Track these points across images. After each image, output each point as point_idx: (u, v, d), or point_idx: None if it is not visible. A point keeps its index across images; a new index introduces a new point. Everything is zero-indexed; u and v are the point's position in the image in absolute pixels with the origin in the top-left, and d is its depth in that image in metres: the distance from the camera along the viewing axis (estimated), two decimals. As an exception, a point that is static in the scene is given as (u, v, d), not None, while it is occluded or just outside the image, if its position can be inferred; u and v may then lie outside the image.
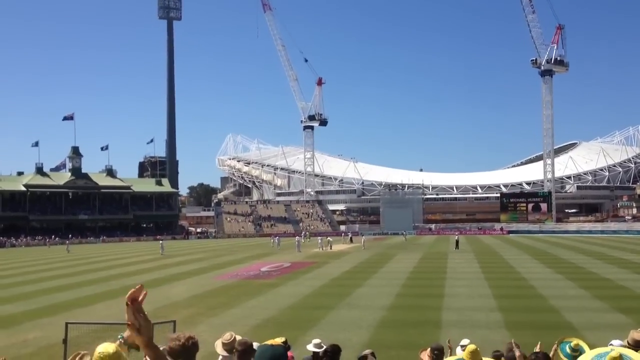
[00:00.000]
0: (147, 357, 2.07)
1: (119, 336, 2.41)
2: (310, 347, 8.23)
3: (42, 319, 18.51)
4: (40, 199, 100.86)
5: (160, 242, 58.38)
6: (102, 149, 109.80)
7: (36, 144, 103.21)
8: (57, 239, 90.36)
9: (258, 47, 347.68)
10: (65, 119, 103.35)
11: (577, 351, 4.58)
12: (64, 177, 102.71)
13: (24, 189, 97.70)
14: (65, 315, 17.49)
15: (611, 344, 4.11)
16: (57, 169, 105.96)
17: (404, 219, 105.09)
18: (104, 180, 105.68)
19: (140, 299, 2.07)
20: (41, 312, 20.03)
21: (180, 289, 25.96)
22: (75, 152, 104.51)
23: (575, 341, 4.72)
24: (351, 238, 71.08)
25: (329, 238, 60.73)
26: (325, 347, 8.32)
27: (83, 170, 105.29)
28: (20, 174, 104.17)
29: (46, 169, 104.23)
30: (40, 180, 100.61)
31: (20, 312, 20.23)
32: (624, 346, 4.72)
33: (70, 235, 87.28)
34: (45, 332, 16.30)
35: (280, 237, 69.14)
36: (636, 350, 3.77)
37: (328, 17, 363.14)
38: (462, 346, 7.59)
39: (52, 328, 16.05)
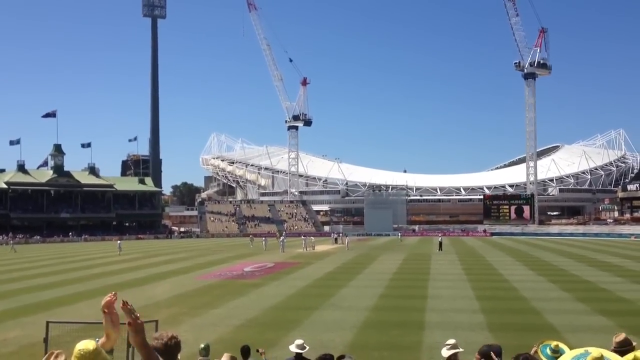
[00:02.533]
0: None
1: (96, 339, 2.35)
2: (293, 348, 8.19)
3: (23, 318, 18.30)
4: (21, 197, 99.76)
5: (118, 242, 57.74)
6: (83, 145, 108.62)
7: (17, 142, 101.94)
8: (38, 237, 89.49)
9: (243, 46, 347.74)
10: (45, 115, 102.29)
11: (558, 352, 4.60)
12: (46, 175, 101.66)
13: (5, 186, 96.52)
14: (47, 314, 17.29)
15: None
16: (40, 167, 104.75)
17: (385, 220, 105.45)
18: (86, 179, 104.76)
19: (114, 304, 2.04)
20: (22, 310, 19.80)
21: (162, 289, 25.80)
22: (58, 150, 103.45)
23: (555, 343, 4.74)
24: (336, 239, 71.07)
25: (312, 238, 60.43)
26: (306, 347, 8.30)
27: (65, 168, 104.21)
28: (1, 171, 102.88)
29: (28, 167, 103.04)
30: (22, 178, 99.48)
31: (1, 310, 19.99)
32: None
33: (41, 233, 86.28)
34: (26, 330, 16.13)
35: (267, 238, 66.67)
36: (621, 354, 3.79)
37: (313, 16, 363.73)
38: (446, 345, 7.53)
39: (33, 327, 15.87)
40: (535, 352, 4.90)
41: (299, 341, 8.25)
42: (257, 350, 8.78)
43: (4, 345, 14.56)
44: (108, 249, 60.39)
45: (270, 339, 14.45)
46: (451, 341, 7.58)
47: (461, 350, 7.12)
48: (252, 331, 15.87)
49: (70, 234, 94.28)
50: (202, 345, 8.69)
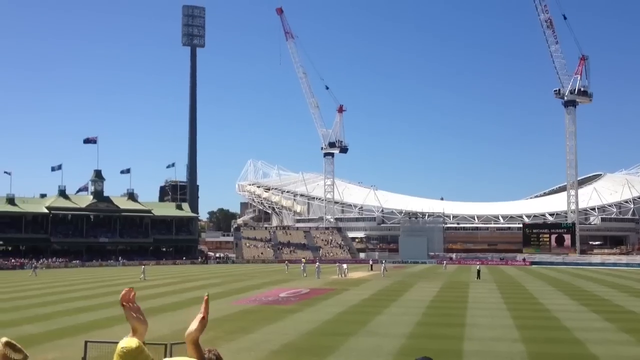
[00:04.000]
0: None
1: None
2: None
3: (61, 340, 18.49)
4: (62, 222, 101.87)
5: (142, 266, 57.82)
6: (122, 172, 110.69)
7: (59, 167, 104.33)
8: (77, 261, 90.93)
9: (280, 74, 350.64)
10: (86, 141, 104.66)
11: None
12: (86, 200, 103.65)
13: (46, 211, 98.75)
14: (84, 336, 17.39)
15: None
16: (80, 191, 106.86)
17: (420, 247, 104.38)
18: (125, 204, 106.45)
19: (132, 298, 1.99)
20: (60, 333, 20.03)
21: (198, 313, 25.79)
22: (98, 176, 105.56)
23: None
24: (372, 266, 70.43)
25: (344, 265, 59.61)
26: None
27: (105, 194, 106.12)
28: (43, 196, 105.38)
29: (69, 192, 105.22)
30: (63, 203, 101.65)
31: (40, 332, 20.25)
32: None
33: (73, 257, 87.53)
34: (64, 352, 16.28)
35: (306, 264, 62.72)
36: None
37: (349, 45, 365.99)
38: None
39: (71, 349, 16.01)
40: None
41: None
42: None
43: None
44: (147, 273, 60.89)
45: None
46: None
47: None
48: (287, 356, 15.74)
49: (108, 258, 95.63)
50: None
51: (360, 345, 17.74)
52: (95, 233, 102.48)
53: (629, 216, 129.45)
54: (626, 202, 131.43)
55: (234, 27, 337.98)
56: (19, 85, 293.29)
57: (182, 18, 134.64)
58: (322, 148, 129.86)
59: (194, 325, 2.20)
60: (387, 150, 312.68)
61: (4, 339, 2.67)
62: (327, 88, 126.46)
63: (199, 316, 2.19)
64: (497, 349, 17.06)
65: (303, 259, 70.11)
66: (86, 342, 9.72)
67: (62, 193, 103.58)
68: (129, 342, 1.79)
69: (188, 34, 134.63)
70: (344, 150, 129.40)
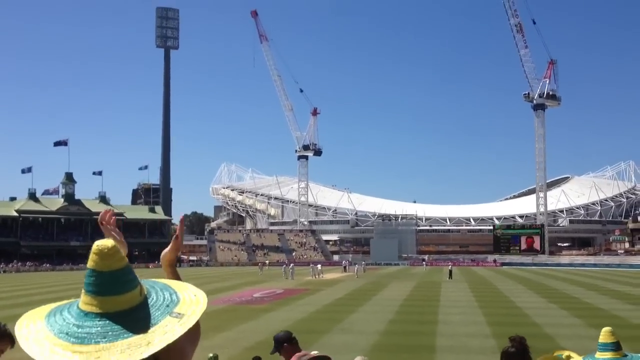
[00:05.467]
0: None
1: None
2: None
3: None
4: (32, 225, 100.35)
5: None
6: (94, 173, 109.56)
7: (29, 170, 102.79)
8: (47, 265, 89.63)
9: (254, 77, 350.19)
10: (57, 143, 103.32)
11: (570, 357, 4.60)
12: (57, 203, 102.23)
13: (15, 214, 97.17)
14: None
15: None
16: (50, 194, 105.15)
17: (391, 249, 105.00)
18: (97, 207, 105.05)
19: (108, 218, 2.02)
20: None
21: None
22: (69, 178, 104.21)
23: (567, 353, 4.72)
24: (345, 267, 70.75)
25: (318, 266, 60.04)
26: None
27: (76, 197, 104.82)
28: (12, 199, 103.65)
29: (39, 195, 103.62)
30: (33, 206, 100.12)
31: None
32: None
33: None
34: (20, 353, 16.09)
35: (294, 266, 60.92)
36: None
37: (323, 48, 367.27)
38: None
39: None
40: None
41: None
42: None
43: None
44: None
45: None
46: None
47: None
48: (260, 353, 15.72)
49: (79, 262, 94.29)
50: (211, 355, 8.72)
51: (334, 342, 17.85)
52: (66, 236, 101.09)
53: (596, 218, 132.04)
54: (593, 204, 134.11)
55: (209, 29, 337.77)
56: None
57: (156, 20, 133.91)
58: (296, 151, 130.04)
59: (168, 247, 2.23)
60: (361, 153, 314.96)
61: None
62: (302, 91, 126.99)
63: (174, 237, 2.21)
64: (470, 344, 17.34)
65: (267, 262, 71.02)
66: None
67: (32, 196, 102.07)
68: (104, 241, 1.65)
69: (162, 36, 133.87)
70: (318, 153, 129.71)
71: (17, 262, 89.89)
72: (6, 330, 3.64)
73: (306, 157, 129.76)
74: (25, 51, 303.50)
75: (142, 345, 1.42)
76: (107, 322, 1.41)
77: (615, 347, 3.80)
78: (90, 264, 1.52)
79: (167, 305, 1.47)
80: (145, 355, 1.41)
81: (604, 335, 3.85)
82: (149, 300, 1.48)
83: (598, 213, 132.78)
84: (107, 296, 1.51)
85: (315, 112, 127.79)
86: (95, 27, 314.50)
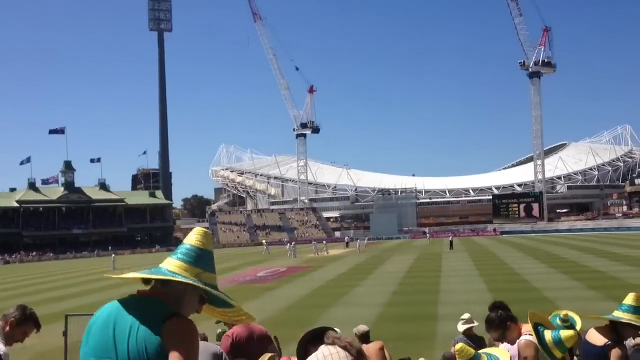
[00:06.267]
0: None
1: None
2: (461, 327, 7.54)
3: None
4: (33, 215, 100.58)
5: (113, 256, 57.77)
6: (92, 160, 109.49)
7: (28, 160, 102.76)
8: (51, 254, 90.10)
9: (249, 57, 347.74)
10: (53, 131, 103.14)
11: (567, 321, 4.78)
12: (57, 191, 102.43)
13: (16, 205, 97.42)
14: (62, 323, 17.59)
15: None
16: (49, 183, 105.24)
17: (390, 223, 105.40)
18: (97, 194, 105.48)
19: None
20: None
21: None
22: (68, 167, 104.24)
23: (564, 312, 4.88)
24: (347, 243, 71.21)
25: (323, 242, 60.79)
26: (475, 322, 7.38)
27: (76, 185, 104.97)
28: (12, 190, 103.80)
29: (39, 184, 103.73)
30: (33, 196, 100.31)
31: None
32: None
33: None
34: (42, 339, 16.34)
35: (296, 245, 61.65)
36: None
37: (317, 23, 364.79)
38: (462, 319, 7.65)
39: (49, 335, 16.12)
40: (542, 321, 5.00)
41: (466, 315, 7.56)
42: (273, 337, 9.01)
43: (23, 353, 14.78)
44: (121, 263, 60.66)
45: (285, 335, 14.66)
46: (466, 315, 7.70)
47: (476, 324, 7.30)
48: (266, 328, 16.10)
49: (82, 249, 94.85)
50: (219, 331, 8.97)
51: (338, 315, 18.20)
52: (67, 225, 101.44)
53: (593, 183, 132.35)
54: (590, 169, 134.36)
55: (202, 10, 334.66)
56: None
57: (148, 3, 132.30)
58: (294, 129, 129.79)
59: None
60: (359, 129, 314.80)
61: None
62: (297, 69, 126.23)
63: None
64: (471, 310, 17.37)
65: (264, 240, 72.10)
66: (66, 316, 9.89)
67: (32, 186, 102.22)
68: (199, 229, 2.34)
69: (154, 19, 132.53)
70: (315, 130, 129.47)
71: (20, 252, 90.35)
72: (32, 314, 3.88)
73: (304, 135, 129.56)
74: (16, 41, 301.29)
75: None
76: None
77: (635, 310, 3.98)
78: (190, 241, 2.20)
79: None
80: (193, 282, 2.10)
81: (628, 298, 4.04)
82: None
83: (595, 178, 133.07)
84: (197, 267, 2.17)
85: (311, 90, 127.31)
86: (87, 14, 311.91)
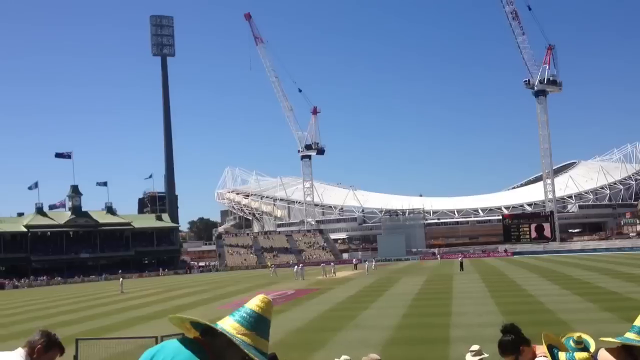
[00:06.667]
0: None
1: None
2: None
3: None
4: (41, 239, 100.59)
5: (121, 279, 57.63)
6: (98, 184, 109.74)
7: (36, 185, 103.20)
8: (59, 278, 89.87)
9: (252, 80, 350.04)
10: (59, 155, 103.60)
11: (581, 343, 4.60)
12: (64, 216, 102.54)
13: (24, 229, 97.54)
14: (71, 348, 17.29)
15: None
16: (56, 207, 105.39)
17: (398, 244, 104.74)
18: (104, 218, 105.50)
19: None
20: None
21: (185, 319, 25.67)
22: (75, 191, 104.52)
23: (578, 334, 4.71)
24: (355, 265, 70.67)
25: (331, 264, 60.29)
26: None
27: (83, 209, 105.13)
28: (20, 214, 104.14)
29: (46, 209, 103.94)
30: (41, 221, 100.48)
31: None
32: None
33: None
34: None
35: (304, 267, 61.59)
36: None
37: (319, 46, 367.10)
38: (471, 351, 7.39)
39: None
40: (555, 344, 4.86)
41: (475, 347, 7.39)
42: None
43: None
44: (129, 286, 60.40)
45: (296, 358, 14.33)
46: (475, 347, 7.43)
47: (486, 355, 7.03)
48: (278, 352, 15.72)
49: (90, 273, 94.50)
50: None
51: (348, 338, 17.85)
52: (75, 249, 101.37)
53: (605, 202, 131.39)
54: (602, 188, 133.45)
55: (204, 34, 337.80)
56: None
57: (151, 28, 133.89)
58: (299, 151, 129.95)
59: None
60: (364, 150, 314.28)
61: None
62: (300, 91, 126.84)
63: None
64: (484, 334, 17.21)
65: (269, 263, 72.37)
66: (77, 340, 9.67)
67: (40, 210, 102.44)
68: (262, 296, 2.41)
69: (157, 44, 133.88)
70: (320, 151, 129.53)
71: (29, 276, 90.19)
72: (57, 339, 3.89)
73: (309, 157, 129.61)
74: (22, 66, 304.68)
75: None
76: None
77: None
78: (251, 305, 2.34)
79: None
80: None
81: (639, 320, 3.87)
82: None
83: (607, 197, 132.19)
84: (252, 331, 2.28)
85: (315, 111, 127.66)
86: (90, 39, 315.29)
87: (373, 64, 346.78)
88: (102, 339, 10.90)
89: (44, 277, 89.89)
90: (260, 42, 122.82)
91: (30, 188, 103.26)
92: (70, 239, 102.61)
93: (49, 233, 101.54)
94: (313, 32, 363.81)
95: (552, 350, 3.91)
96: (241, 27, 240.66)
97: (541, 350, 4.02)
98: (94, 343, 9.96)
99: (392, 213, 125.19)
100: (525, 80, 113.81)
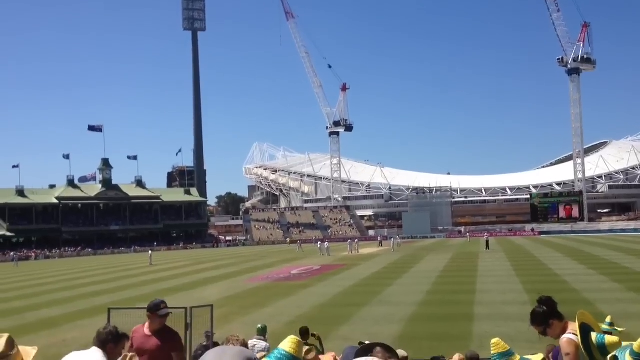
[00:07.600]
0: None
1: None
2: None
3: (80, 321, 18.92)
4: (72, 211, 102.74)
5: (150, 252, 58.57)
6: (129, 157, 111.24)
7: (67, 157, 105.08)
8: (89, 250, 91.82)
9: (282, 55, 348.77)
10: (91, 128, 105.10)
11: (612, 324, 4.72)
12: (95, 188, 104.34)
13: (56, 201, 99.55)
14: (103, 317, 17.87)
15: None
16: (87, 180, 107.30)
17: (423, 222, 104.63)
18: (134, 191, 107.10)
19: None
20: (79, 314, 20.47)
21: (213, 291, 26.29)
22: (106, 164, 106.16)
23: (608, 319, 4.81)
24: (381, 242, 70.93)
25: (356, 240, 60.70)
26: None
27: (113, 182, 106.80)
28: (52, 186, 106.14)
29: (77, 181, 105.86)
30: (72, 193, 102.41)
31: (59, 315, 20.69)
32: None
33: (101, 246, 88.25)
34: (83, 332, 16.65)
35: (329, 243, 62.48)
36: None
37: (351, 22, 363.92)
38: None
39: (90, 328, 16.39)
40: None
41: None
42: (313, 335, 8.99)
43: (64, 345, 15.09)
44: (157, 259, 61.52)
45: (322, 332, 14.61)
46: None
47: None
48: (302, 326, 16.10)
49: (119, 245, 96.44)
50: (260, 326, 8.98)
51: (373, 313, 18.13)
52: (105, 221, 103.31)
53: (636, 182, 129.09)
54: (633, 168, 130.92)
55: (235, 9, 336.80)
56: (23, 79, 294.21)
57: (182, 2, 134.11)
58: (327, 127, 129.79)
59: None
60: (393, 127, 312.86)
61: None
62: (330, 67, 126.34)
63: None
64: (508, 311, 17.40)
65: (297, 241, 73.95)
66: (109, 309, 10.07)
67: (71, 183, 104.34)
68: (292, 338, 2.91)
69: (189, 18, 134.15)
70: (349, 128, 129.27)
71: (60, 247, 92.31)
72: (119, 332, 4.45)
73: (337, 133, 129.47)
74: (60, 41, 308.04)
75: None
76: None
77: None
78: (285, 346, 2.78)
79: None
80: None
81: None
82: None
83: (638, 177, 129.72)
84: None
85: (344, 88, 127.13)
86: (123, 15, 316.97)
87: (403, 42, 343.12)
88: (133, 308, 11.25)
89: (75, 249, 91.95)
90: (291, 18, 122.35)
91: (64, 157, 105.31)
92: (101, 211, 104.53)
93: (79, 205, 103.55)
94: (345, 9, 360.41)
95: (585, 328, 3.96)
96: (272, 1, 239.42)
97: (573, 328, 4.07)
98: (125, 312, 10.28)
99: (419, 191, 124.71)
100: (559, 58, 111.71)
